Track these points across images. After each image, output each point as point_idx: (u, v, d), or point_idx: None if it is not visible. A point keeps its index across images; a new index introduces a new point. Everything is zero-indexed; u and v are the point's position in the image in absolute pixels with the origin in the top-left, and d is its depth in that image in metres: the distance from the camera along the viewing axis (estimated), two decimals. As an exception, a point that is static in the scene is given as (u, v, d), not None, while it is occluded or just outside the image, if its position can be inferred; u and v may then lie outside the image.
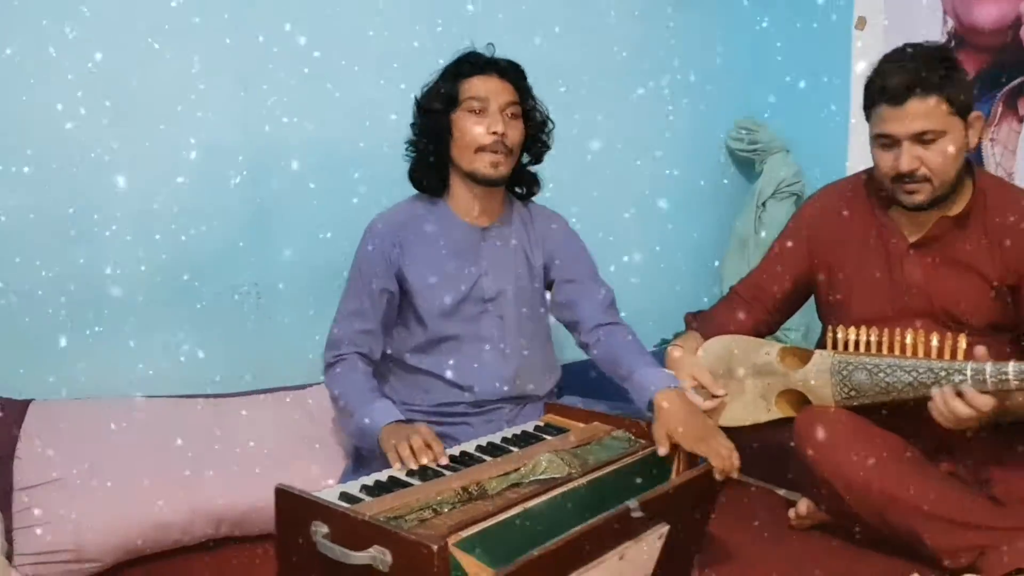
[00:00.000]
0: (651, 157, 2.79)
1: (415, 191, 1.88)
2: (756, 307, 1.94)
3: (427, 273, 1.81)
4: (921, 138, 1.64)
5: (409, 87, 1.87)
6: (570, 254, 1.93)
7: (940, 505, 1.60)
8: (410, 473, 1.47)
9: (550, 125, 1.90)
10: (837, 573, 1.64)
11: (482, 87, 1.78)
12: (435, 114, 1.80)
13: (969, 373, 1.55)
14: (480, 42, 1.86)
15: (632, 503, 1.34)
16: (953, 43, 2.56)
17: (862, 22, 2.76)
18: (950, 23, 2.57)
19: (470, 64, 1.81)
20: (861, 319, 1.74)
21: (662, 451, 1.56)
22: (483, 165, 1.77)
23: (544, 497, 1.36)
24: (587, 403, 1.85)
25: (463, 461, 1.53)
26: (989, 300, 1.72)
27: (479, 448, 1.59)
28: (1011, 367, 1.51)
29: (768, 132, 2.84)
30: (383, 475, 1.45)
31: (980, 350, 1.56)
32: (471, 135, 1.76)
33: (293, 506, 1.28)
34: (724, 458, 1.52)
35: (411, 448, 1.51)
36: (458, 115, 1.78)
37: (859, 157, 2.64)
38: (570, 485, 1.41)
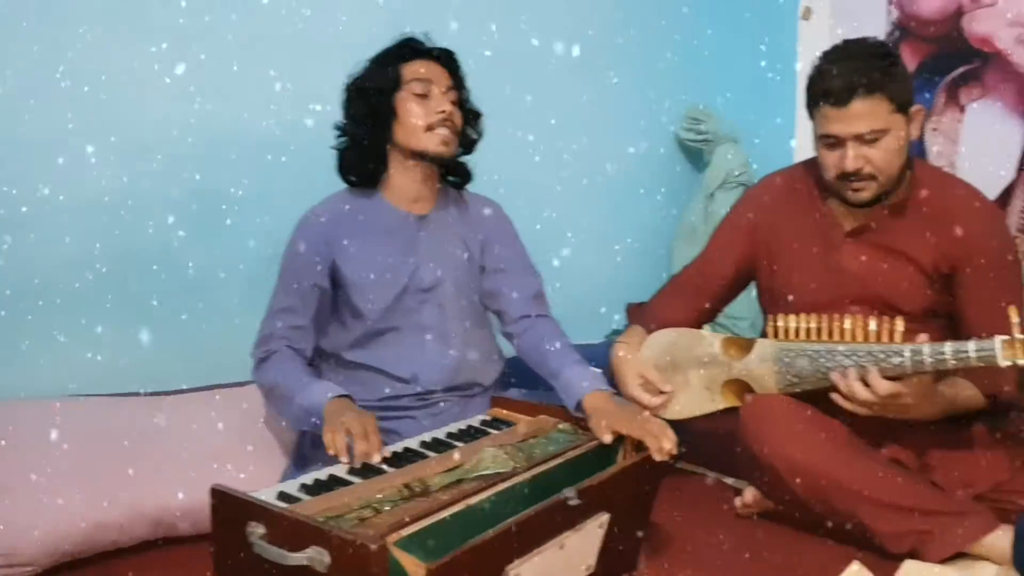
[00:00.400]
0: (600, 146, 2.79)
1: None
2: (697, 295, 1.94)
3: (364, 267, 1.78)
4: (865, 137, 1.65)
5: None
6: (503, 242, 1.92)
7: (883, 490, 1.62)
8: (351, 471, 1.44)
9: (481, 116, 1.89)
10: (783, 560, 1.65)
11: (425, 70, 1.77)
12: (376, 95, 1.77)
13: (908, 354, 1.56)
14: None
15: (569, 491, 1.33)
16: (897, 33, 2.59)
17: (808, 12, 2.78)
18: (894, 13, 2.61)
19: (411, 48, 1.80)
20: (800, 307, 1.75)
21: (608, 438, 1.55)
22: (435, 142, 1.76)
23: (487, 493, 1.34)
24: (532, 395, 1.84)
25: (406, 458, 1.50)
26: (924, 288, 1.74)
27: (423, 444, 1.57)
28: (948, 347, 1.53)
29: (717, 122, 2.85)
30: (323, 473, 1.42)
31: (923, 337, 1.58)
32: (417, 115, 1.75)
33: (229, 507, 1.25)
34: (655, 436, 1.51)
35: (348, 435, 1.47)
36: (401, 96, 1.76)
37: (806, 148, 2.66)
38: (514, 480, 1.39)
